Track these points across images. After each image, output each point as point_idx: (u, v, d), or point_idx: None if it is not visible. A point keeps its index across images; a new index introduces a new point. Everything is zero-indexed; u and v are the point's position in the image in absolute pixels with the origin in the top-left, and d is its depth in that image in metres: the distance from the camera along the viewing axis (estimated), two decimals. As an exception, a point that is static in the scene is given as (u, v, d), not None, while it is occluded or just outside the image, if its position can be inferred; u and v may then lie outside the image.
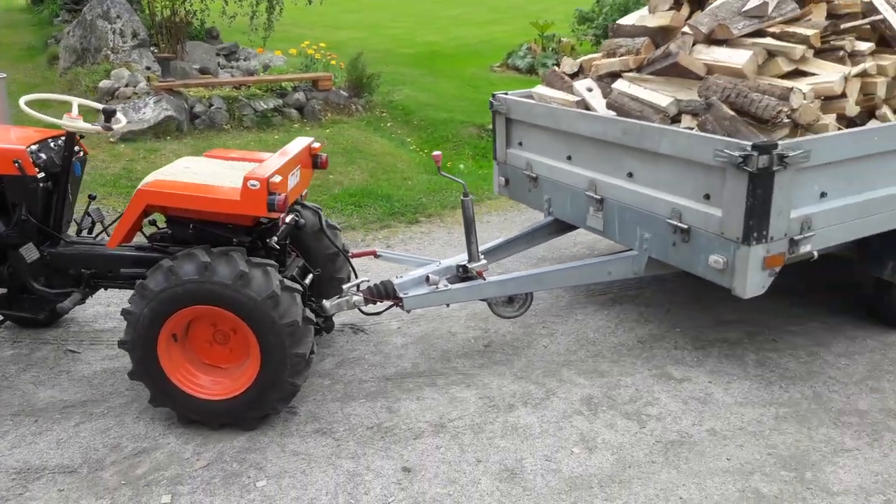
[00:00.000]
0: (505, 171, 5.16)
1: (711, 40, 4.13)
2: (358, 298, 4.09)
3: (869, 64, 3.95)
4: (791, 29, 3.98)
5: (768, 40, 3.98)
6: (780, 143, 3.39)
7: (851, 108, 3.89)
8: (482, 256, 4.35)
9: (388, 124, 10.15)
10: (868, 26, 4.12)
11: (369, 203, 7.03)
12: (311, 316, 3.67)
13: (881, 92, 3.99)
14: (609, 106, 4.31)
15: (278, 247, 3.85)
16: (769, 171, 3.36)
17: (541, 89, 4.89)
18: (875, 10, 4.13)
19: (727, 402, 3.87)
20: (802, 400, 3.89)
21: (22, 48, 16.16)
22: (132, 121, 8.79)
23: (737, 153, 3.37)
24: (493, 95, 5.05)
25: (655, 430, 3.65)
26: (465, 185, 4.40)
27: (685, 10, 4.50)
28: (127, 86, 9.36)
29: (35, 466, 3.40)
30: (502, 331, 4.71)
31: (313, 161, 4.17)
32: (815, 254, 3.76)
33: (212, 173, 3.79)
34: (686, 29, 4.23)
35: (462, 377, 4.16)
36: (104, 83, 9.49)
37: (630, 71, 4.43)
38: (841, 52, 3.98)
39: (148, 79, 9.59)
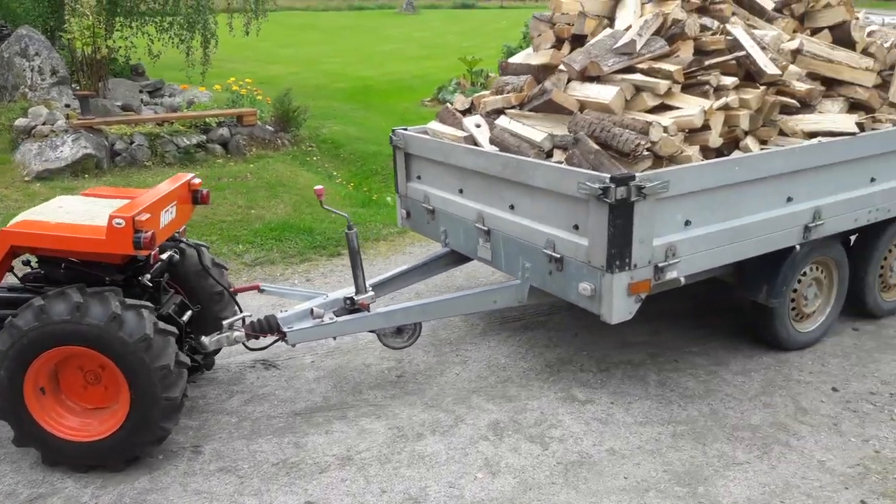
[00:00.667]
0: (406, 203, 5.25)
1: (585, 77, 4.27)
2: (239, 334, 4.07)
3: (731, 98, 4.11)
4: (658, 65, 4.14)
5: (636, 76, 4.13)
6: (637, 174, 3.53)
7: (714, 140, 4.04)
8: (370, 288, 4.39)
9: (316, 158, 10.18)
10: (734, 62, 4.32)
11: (290, 237, 7.02)
12: (186, 359, 3.66)
13: (744, 124, 4.15)
14: (492, 141, 4.43)
15: (152, 284, 3.84)
16: (628, 202, 3.49)
17: (434, 125, 4.99)
18: (740, 47, 4.35)
19: (627, 421, 3.99)
20: (699, 417, 4.03)
21: (-61, 87, 15.68)
22: (49, 159, 8.63)
23: (597, 185, 3.50)
24: (393, 131, 5.14)
25: (557, 451, 3.74)
26: (349, 217, 4.43)
27: (566, 48, 4.67)
28: (44, 124, 9.17)
29: (-80, 518, 3.28)
30: (416, 360, 4.76)
31: (193, 197, 4.17)
32: (683, 280, 3.90)
33: (84, 212, 3.77)
34: (562, 66, 4.39)
35: (373, 408, 4.19)
36: (20, 121, 9.28)
37: (512, 107, 4.55)
38: (706, 87, 4.14)
39: (67, 116, 9.43)
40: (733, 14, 4.88)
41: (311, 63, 21.32)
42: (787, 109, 4.44)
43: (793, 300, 4.61)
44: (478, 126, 4.60)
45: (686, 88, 4.19)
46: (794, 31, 4.98)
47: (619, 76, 4.15)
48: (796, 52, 4.65)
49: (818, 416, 4.02)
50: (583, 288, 3.77)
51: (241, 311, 4.25)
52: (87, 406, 3.67)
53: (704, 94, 4.11)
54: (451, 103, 5.15)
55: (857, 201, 4.52)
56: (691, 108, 3.98)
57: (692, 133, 4.03)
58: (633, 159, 3.74)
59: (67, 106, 10.09)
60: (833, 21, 4.90)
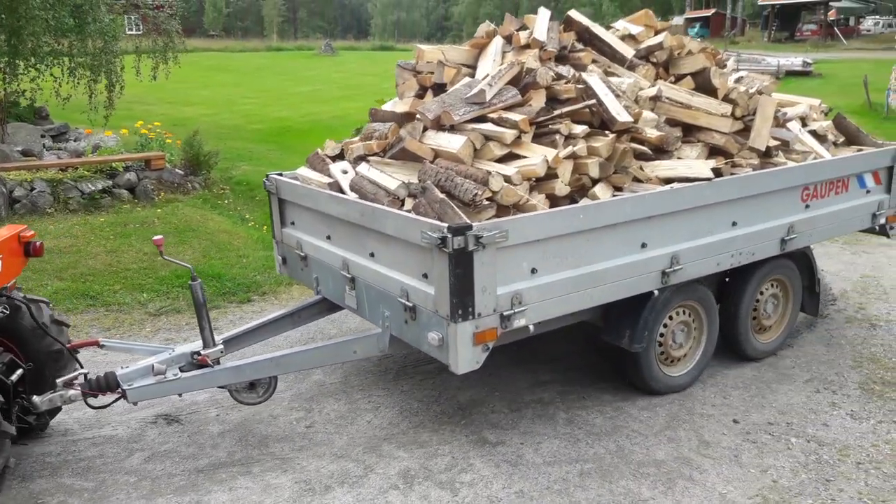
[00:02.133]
0: (282, 249, 5.16)
1: (440, 126, 4.23)
2: (74, 392, 3.93)
3: (579, 146, 4.10)
4: (507, 115, 4.13)
5: (485, 126, 4.12)
6: (475, 224, 3.50)
7: (561, 188, 4.01)
8: (219, 342, 4.26)
9: (228, 201, 10.00)
10: (587, 110, 4.32)
11: (200, 284, 6.82)
12: (9, 428, 3.54)
13: (593, 172, 4.12)
14: (351, 188, 4.38)
15: None
16: (466, 252, 3.47)
17: (303, 170, 4.92)
18: (593, 95, 4.34)
19: (536, 462, 4.00)
20: (606, 454, 4.08)
21: None
22: (-61, 208, 8.17)
23: (436, 235, 3.48)
24: (267, 176, 5.07)
25: (467, 497, 3.71)
26: (193, 269, 4.32)
27: (429, 97, 4.72)
28: (-65, 170, 8.71)
29: None
30: (327, 409, 4.67)
31: (25, 249, 4.08)
32: (532, 328, 3.87)
33: None
34: (418, 115, 4.37)
35: (279, 462, 4.07)
36: None
37: (375, 154, 4.53)
38: (557, 136, 4.13)
39: (-40, 162, 8.98)
40: (594, 62, 4.97)
41: (228, 104, 21.07)
42: (645, 156, 4.46)
43: (661, 344, 4.63)
44: (344, 172, 4.54)
45: (539, 137, 4.20)
46: (658, 78, 5.06)
47: (471, 126, 4.15)
48: (655, 99, 4.71)
49: (720, 449, 4.13)
50: (431, 337, 3.71)
51: (80, 368, 4.10)
52: None
53: (553, 144, 4.12)
54: (322, 149, 5.06)
55: (718, 245, 4.50)
56: (535, 157, 3.98)
57: (540, 182, 4.03)
58: (474, 209, 3.72)
59: (-39, 151, 9.61)
60: (694, 68, 4.97)
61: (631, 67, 5.05)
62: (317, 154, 4.97)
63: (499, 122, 4.15)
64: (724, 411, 4.54)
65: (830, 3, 44.64)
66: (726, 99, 4.80)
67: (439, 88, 4.73)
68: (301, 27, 78.32)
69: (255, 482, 3.87)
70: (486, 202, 3.72)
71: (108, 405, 4.10)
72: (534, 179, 4.00)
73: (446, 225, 3.48)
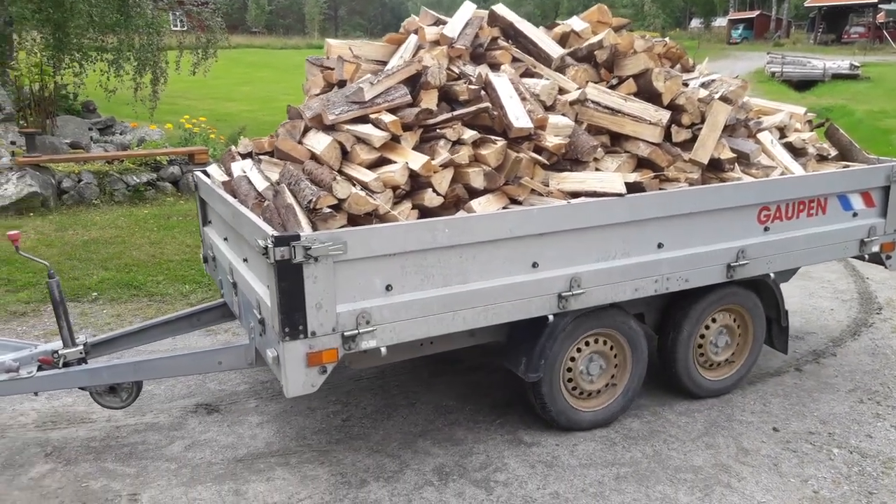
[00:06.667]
0: (205, 248, 4.99)
1: (324, 125, 3.89)
2: None
3: (461, 153, 3.72)
4: (382, 116, 3.77)
5: (360, 127, 3.78)
6: (302, 234, 3.16)
7: (431, 199, 3.62)
8: (79, 340, 4.18)
9: (268, 197, 10.12)
10: (487, 114, 3.94)
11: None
12: None
13: (476, 182, 3.70)
14: (229, 188, 4.19)
15: None
16: (292, 263, 3.14)
17: (212, 168, 4.74)
18: (495, 97, 3.97)
19: (572, 464, 3.99)
20: (643, 458, 4.05)
21: None
22: (-9, 197, 8.42)
23: (261, 243, 3.20)
24: (193, 172, 4.97)
25: (502, 496, 3.71)
26: (50, 265, 4.19)
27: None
28: (-12, 161, 8.98)
29: None
30: (363, 403, 4.71)
31: None
32: (384, 350, 3.48)
33: None
34: (305, 113, 4.03)
35: (316, 454, 4.12)
36: (-38, 158, 9.08)
37: (266, 153, 4.31)
38: (442, 141, 3.77)
39: (12, 153, 9.25)
40: (515, 60, 4.56)
41: (268, 100, 21.34)
42: (556, 167, 4.04)
43: (570, 376, 4.20)
44: (242, 171, 4.26)
45: (428, 142, 3.84)
46: (602, 81, 4.51)
47: (347, 126, 3.80)
48: (578, 103, 4.21)
49: (759, 457, 4.07)
50: (271, 355, 3.45)
51: None
52: None
53: (431, 150, 3.76)
54: (235, 146, 4.78)
55: (636, 269, 3.98)
56: (396, 164, 3.65)
57: (417, 191, 3.67)
58: (316, 216, 3.36)
59: (13, 143, 9.90)
60: (636, 69, 4.34)
61: (561, 69, 4.56)
62: (229, 151, 4.75)
63: (376, 123, 3.80)
64: (763, 419, 4.48)
65: (880, 6, 43.59)
66: (672, 105, 4.23)
67: (344, 86, 4.34)
68: (341, 25, 78.96)
69: (293, 473, 3.93)
70: (328, 210, 3.36)
71: None
72: (405, 189, 3.62)
73: (270, 233, 3.17)
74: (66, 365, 4.06)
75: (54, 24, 11.65)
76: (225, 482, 3.84)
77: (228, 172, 4.45)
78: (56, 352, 4.07)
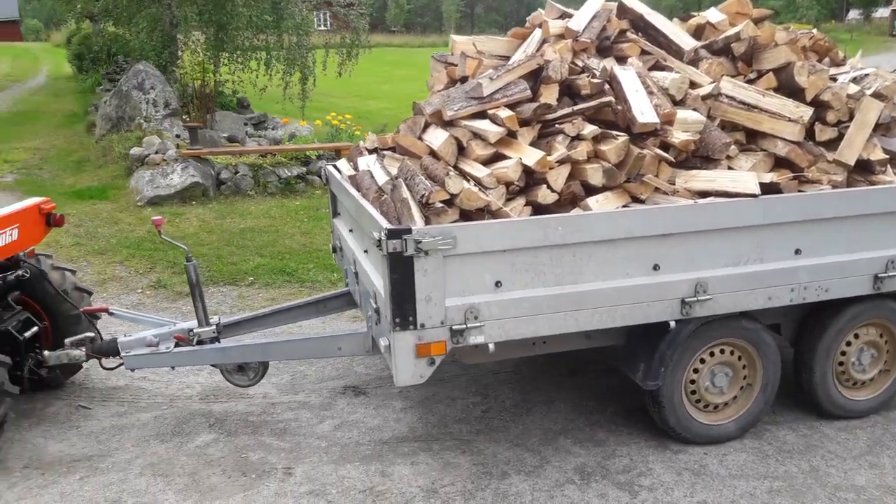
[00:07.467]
0: (334, 239, 5.16)
1: (443, 121, 3.89)
2: (78, 353, 4.29)
3: (578, 149, 3.61)
4: (499, 112, 3.69)
5: (477, 122, 3.74)
6: (414, 228, 3.21)
7: (545, 196, 3.54)
8: (213, 321, 4.42)
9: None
10: (609, 108, 3.82)
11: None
12: (12, 388, 3.91)
13: (594, 179, 3.57)
14: (354, 181, 4.34)
15: None
16: (404, 256, 3.19)
17: (341, 162, 4.94)
18: (620, 91, 3.81)
19: (721, 473, 3.85)
20: (798, 474, 3.85)
21: (64, 115, 16.99)
22: (160, 186, 9.16)
23: (376, 235, 3.25)
24: (325, 166, 5.15)
25: (647, 500, 3.65)
26: (188, 249, 4.49)
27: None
28: (157, 153, 9.78)
29: (34, 520, 3.50)
30: (502, 396, 4.75)
31: (46, 220, 4.52)
32: (492, 346, 3.46)
33: None
34: (426, 109, 4.07)
35: (458, 443, 4.20)
36: (135, 150, 9.93)
37: (389, 149, 4.38)
38: (560, 136, 3.67)
39: (177, 146, 10.01)
40: (644, 53, 4.36)
41: (407, 99, 21.78)
42: (688, 164, 3.85)
43: (693, 388, 4.01)
44: (367, 166, 4.41)
45: (542, 137, 3.78)
46: (739, 74, 4.28)
47: (465, 122, 3.78)
48: (710, 98, 4.00)
49: (930, 482, 3.77)
50: (383, 343, 3.52)
51: (93, 332, 4.52)
52: None
53: (549, 146, 3.68)
54: (363, 141, 4.96)
55: (769, 276, 3.75)
56: (511, 159, 3.59)
57: (531, 187, 3.60)
58: (429, 210, 3.38)
59: (178, 136, 10.72)
60: (776, 63, 4.09)
61: (694, 62, 4.34)
62: (357, 146, 4.93)
63: (493, 119, 3.75)
64: (935, 442, 4.14)
65: None
66: (816, 101, 3.98)
67: (465, 82, 4.31)
68: (477, 22, 79.62)
69: (435, 459, 4.03)
70: (441, 205, 3.38)
71: (114, 368, 4.51)
72: (518, 185, 3.58)
73: (384, 226, 3.24)
74: (199, 343, 4.38)
75: (217, 26, 12.51)
76: (372, 463, 4.00)
77: (355, 167, 4.65)
78: (191, 330, 4.40)
